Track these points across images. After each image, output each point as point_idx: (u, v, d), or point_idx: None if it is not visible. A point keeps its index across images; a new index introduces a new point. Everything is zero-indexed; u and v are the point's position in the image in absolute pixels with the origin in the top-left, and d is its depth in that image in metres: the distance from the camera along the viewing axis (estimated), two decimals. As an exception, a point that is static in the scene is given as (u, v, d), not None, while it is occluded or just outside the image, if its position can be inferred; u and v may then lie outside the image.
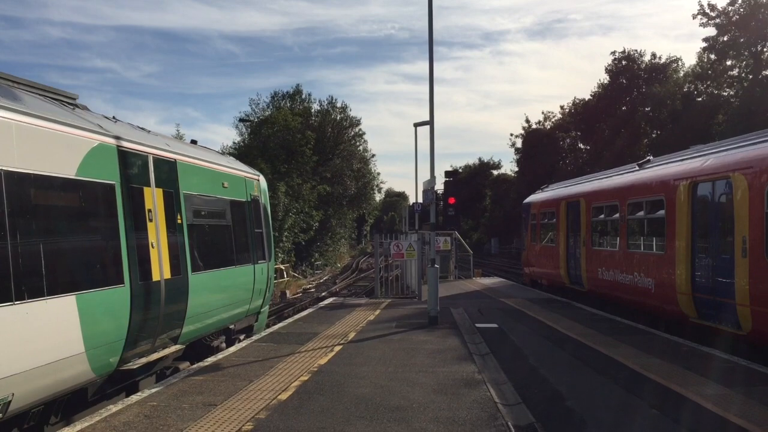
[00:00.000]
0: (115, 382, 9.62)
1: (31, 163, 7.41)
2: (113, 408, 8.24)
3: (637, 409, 8.20)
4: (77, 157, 8.34)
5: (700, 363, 10.71)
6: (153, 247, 10.02)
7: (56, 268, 7.71)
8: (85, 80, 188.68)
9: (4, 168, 6.95)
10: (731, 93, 45.86)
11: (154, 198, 10.22)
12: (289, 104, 57.50)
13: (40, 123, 7.72)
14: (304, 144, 46.31)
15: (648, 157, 18.70)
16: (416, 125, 30.84)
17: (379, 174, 70.73)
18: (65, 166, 8.09)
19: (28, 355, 7.16)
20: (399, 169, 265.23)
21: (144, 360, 9.82)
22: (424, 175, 35.99)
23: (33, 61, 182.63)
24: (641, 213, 16.25)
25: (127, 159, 9.51)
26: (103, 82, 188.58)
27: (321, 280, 45.94)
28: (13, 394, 6.95)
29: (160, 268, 10.14)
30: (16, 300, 6.91)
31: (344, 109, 62.40)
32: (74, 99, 9.91)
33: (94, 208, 8.76)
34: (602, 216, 18.98)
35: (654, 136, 53.48)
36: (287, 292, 33.40)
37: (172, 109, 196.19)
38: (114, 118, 10.70)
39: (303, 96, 60.31)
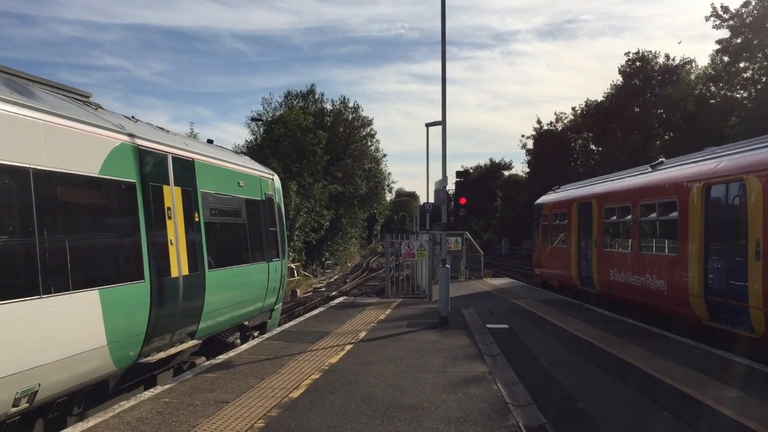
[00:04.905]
0: (133, 376, 9.82)
1: (57, 161, 7.63)
2: (126, 404, 8.31)
3: (649, 411, 8.19)
4: (100, 156, 8.58)
5: (712, 366, 10.68)
6: (172, 244, 10.24)
7: (81, 263, 7.93)
8: (96, 78, 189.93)
9: (32, 166, 7.18)
10: (745, 95, 45.50)
11: (173, 196, 10.44)
12: (302, 104, 57.56)
13: (66, 123, 7.95)
14: (315, 143, 46.39)
15: (661, 159, 18.61)
16: (428, 125, 30.81)
17: (390, 174, 70.73)
18: (89, 165, 8.32)
19: (54, 347, 7.38)
20: (410, 169, 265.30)
21: (162, 354, 10.02)
22: (435, 175, 36.04)
23: (44, 59, 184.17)
24: (654, 215, 16.20)
25: (147, 158, 9.75)
26: (114, 80, 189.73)
27: (331, 279, 46.05)
28: (39, 385, 7.18)
29: (179, 265, 10.36)
30: (44, 294, 7.14)
31: (356, 108, 62.45)
32: (88, 97, 10.03)
33: (116, 205, 9.00)
34: (614, 217, 18.92)
35: (667, 138, 53.12)
36: (298, 290, 33.50)
37: (183, 108, 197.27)
38: (133, 117, 10.91)
39: (316, 96, 60.40)
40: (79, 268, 7.85)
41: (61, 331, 7.48)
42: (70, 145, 7.96)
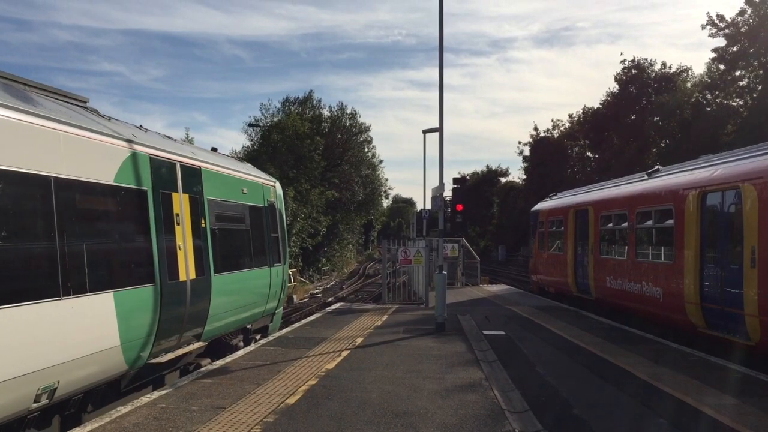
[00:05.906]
0: (142, 376, 10.05)
1: (75, 170, 7.97)
2: (123, 409, 8.33)
3: (645, 418, 8.23)
4: (115, 164, 8.93)
5: (708, 373, 10.73)
6: (180, 249, 10.54)
7: (96, 267, 8.26)
8: (93, 83, 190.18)
9: (54, 175, 7.51)
10: (740, 103, 45.69)
11: (181, 203, 10.77)
12: (299, 110, 57.51)
13: (83, 133, 8.30)
14: (313, 149, 46.41)
15: (657, 167, 18.68)
16: (425, 132, 30.86)
17: (387, 180, 70.61)
18: (105, 173, 8.66)
19: (72, 346, 7.70)
20: (406, 176, 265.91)
21: (171, 355, 10.30)
22: (432, 182, 35.98)
23: (41, 63, 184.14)
24: (650, 222, 16.27)
25: (157, 166, 10.09)
26: (110, 85, 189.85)
27: (328, 285, 46.01)
28: (58, 382, 7.50)
29: (187, 269, 10.68)
30: (63, 295, 7.48)
31: (354, 115, 62.44)
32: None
33: (129, 212, 9.32)
34: (611, 225, 18.99)
35: (663, 145, 53.25)
36: (294, 296, 33.44)
37: (180, 113, 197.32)
38: (142, 126, 11.18)
39: (314, 102, 60.37)
40: (95, 271, 8.18)
41: (78, 331, 7.80)
42: (87, 155, 8.29)
